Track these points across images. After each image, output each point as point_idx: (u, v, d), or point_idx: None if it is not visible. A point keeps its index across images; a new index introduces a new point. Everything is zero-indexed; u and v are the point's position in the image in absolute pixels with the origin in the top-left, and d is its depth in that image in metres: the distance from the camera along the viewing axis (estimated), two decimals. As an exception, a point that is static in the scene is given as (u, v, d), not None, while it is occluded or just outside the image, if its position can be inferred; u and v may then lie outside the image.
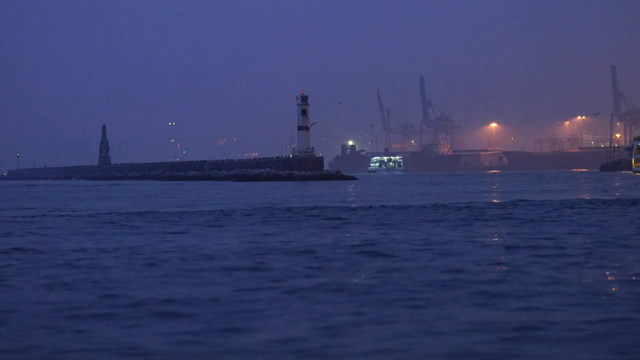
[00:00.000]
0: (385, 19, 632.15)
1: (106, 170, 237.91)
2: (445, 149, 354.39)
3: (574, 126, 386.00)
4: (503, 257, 21.20)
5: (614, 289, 16.06)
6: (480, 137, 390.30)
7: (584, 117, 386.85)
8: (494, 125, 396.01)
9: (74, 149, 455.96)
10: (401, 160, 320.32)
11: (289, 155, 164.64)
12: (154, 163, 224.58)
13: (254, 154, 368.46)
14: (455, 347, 11.33)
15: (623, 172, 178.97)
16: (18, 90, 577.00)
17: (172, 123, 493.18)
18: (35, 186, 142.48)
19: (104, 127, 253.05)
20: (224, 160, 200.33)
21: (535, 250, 22.86)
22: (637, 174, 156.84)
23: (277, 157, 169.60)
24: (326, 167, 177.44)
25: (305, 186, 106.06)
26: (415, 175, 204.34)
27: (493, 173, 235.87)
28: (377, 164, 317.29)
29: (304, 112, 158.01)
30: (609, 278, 17.41)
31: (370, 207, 47.72)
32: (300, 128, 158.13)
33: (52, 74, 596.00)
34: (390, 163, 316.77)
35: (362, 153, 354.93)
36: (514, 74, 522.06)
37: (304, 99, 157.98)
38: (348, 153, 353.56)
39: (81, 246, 26.07)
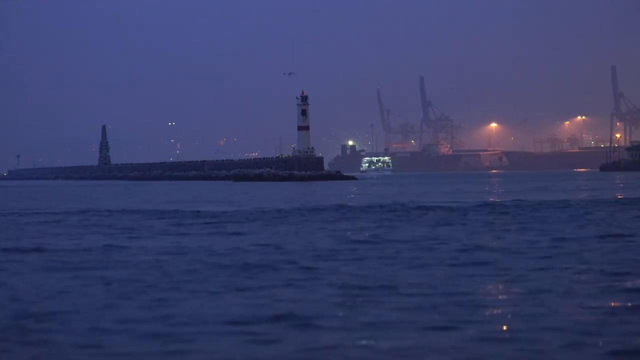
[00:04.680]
0: (385, 19, 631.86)
1: (106, 170, 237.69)
2: (445, 149, 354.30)
3: (574, 126, 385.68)
4: None
5: None
6: (480, 137, 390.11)
7: (584, 117, 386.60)
8: (494, 125, 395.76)
9: (74, 149, 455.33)
10: (390, 161, 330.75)
11: (281, 156, 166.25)
12: (154, 163, 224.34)
13: (254, 154, 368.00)
14: None
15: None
16: (18, 90, 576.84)
17: (172, 123, 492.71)
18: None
19: (104, 127, 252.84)
20: (224, 160, 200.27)
21: None
22: None
23: (277, 157, 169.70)
24: (326, 167, 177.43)
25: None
26: (416, 176, 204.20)
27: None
28: (367, 165, 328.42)
29: (304, 112, 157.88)
30: None
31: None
32: (300, 128, 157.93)
33: (52, 74, 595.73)
34: (379, 164, 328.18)
35: (362, 153, 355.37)
36: (514, 74, 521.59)
37: (304, 99, 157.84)
38: (348, 153, 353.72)
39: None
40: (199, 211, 46.89)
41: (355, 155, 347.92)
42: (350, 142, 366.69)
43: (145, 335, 12.62)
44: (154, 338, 12.45)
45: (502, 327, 12.87)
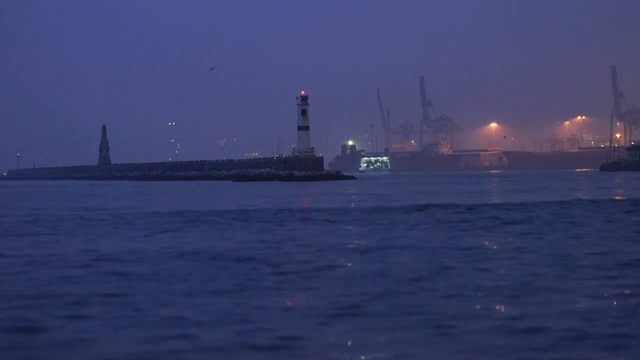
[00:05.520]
0: (385, 19, 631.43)
1: (106, 170, 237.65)
2: (445, 149, 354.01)
3: (574, 126, 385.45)
4: None
5: None
6: (480, 137, 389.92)
7: (584, 117, 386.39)
8: (494, 125, 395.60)
9: (74, 149, 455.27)
10: (388, 161, 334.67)
11: (280, 156, 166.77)
12: (153, 163, 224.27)
13: (254, 154, 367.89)
14: None
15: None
16: (18, 90, 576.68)
17: (172, 123, 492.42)
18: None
19: (104, 127, 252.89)
20: (224, 160, 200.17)
21: None
22: None
23: (277, 157, 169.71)
24: (326, 167, 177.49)
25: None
26: (417, 176, 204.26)
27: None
28: (366, 165, 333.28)
29: (304, 112, 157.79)
30: None
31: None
32: (300, 128, 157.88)
33: (52, 74, 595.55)
34: (377, 164, 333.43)
35: (362, 153, 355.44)
36: (514, 74, 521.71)
37: (304, 99, 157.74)
38: (348, 153, 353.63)
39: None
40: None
41: (355, 155, 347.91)
42: (350, 142, 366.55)
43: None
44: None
45: None
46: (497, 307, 14.72)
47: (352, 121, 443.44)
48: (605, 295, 15.92)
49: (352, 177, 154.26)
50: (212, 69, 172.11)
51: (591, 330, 12.74)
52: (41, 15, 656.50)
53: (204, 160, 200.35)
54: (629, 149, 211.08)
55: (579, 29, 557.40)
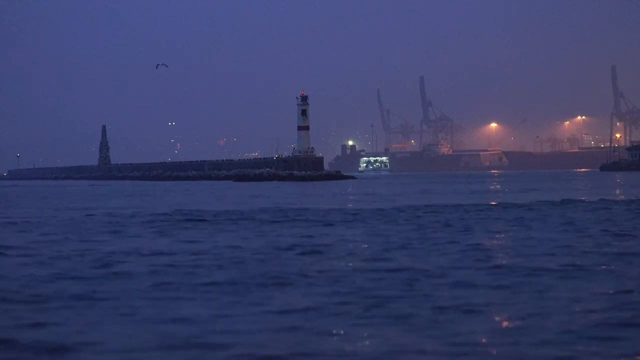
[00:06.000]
0: (385, 19, 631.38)
1: (106, 170, 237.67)
2: (445, 149, 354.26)
3: (574, 126, 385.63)
4: None
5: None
6: (480, 137, 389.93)
7: (584, 117, 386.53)
8: (494, 125, 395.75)
9: (74, 149, 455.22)
10: (387, 161, 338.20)
11: (279, 156, 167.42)
12: (153, 163, 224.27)
13: (254, 154, 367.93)
14: None
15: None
16: (18, 90, 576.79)
17: (172, 123, 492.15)
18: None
19: (104, 127, 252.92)
20: (224, 160, 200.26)
21: None
22: None
23: (276, 157, 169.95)
24: (326, 167, 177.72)
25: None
26: (417, 176, 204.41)
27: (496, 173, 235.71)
28: (365, 165, 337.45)
29: (304, 112, 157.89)
30: None
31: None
32: (300, 128, 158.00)
33: (52, 74, 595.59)
34: (377, 164, 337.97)
35: (362, 153, 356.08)
36: (514, 74, 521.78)
37: (304, 99, 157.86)
38: (348, 153, 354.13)
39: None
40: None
41: (355, 155, 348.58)
42: (350, 142, 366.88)
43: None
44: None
45: None
46: (497, 306, 14.70)
47: (352, 121, 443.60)
48: (607, 293, 15.91)
49: (352, 177, 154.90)
50: (159, 65, 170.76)
51: (592, 329, 12.73)
52: (41, 15, 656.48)
53: (204, 160, 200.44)
54: (629, 149, 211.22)
55: (579, 29, 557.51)
